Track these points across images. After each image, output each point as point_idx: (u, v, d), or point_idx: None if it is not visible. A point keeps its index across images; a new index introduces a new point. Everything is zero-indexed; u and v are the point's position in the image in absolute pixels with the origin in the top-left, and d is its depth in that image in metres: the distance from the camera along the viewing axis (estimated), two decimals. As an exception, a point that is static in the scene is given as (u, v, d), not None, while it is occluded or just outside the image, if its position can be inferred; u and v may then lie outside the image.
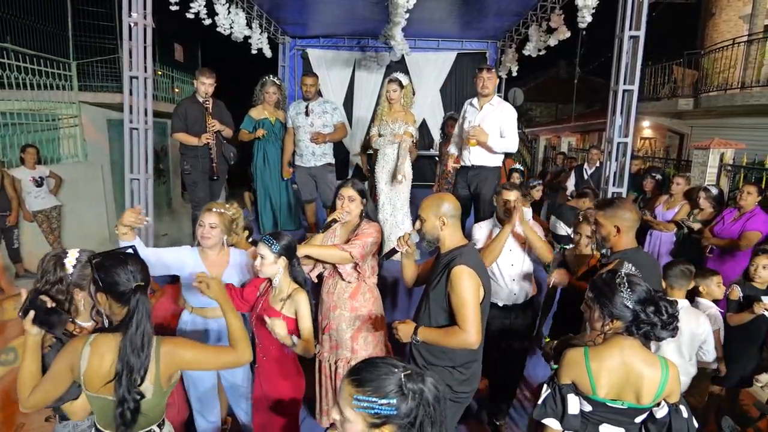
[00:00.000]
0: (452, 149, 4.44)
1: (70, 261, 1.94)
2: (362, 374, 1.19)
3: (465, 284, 2.04)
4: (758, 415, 3.45)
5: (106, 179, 8.32)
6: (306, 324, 2.36)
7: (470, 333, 2.03)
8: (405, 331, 2.22)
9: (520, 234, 3.13)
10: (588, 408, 1.86)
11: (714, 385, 3.32)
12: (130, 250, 1.79)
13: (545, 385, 1.97)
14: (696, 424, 1.85)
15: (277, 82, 4.88)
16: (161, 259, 2.51)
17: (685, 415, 1.82)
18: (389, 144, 4.31)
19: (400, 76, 4.33)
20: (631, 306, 1.75)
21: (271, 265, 2.34)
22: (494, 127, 3.97)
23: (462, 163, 4.26)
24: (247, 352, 1.84)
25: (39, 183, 6.15)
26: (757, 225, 4.01)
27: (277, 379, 2.45)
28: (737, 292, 3.24)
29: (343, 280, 2.83)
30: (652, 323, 1.74)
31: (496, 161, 4.12)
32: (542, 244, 3.07)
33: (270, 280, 2.45)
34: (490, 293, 2.23)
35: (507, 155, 4.33)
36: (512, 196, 3.08)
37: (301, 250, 2.59)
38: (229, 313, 1.89)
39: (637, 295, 1.76)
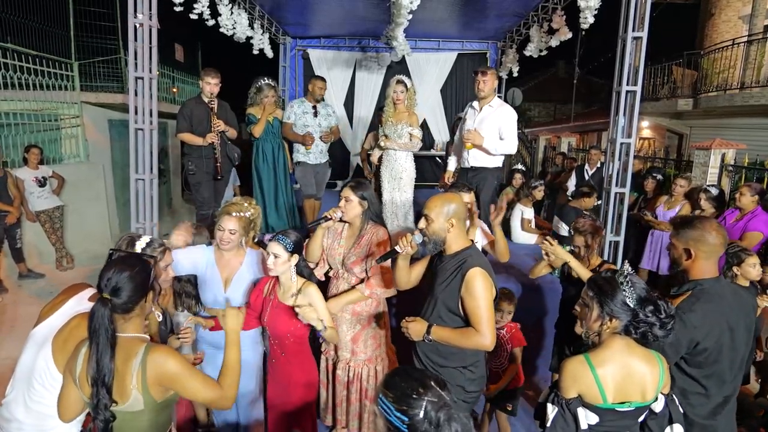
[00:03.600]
0: (451, 165, 4.55)
1: (141, 244, 2.14)
2: (394, 378, 1.25)
3: (480, 286, 2.04)
4: (762, 413, 3.47)
5: (108, 179, 8.32)
6: (326, 313, 2.43)
7: (486, 335, 2.02)
8: (416, 329, 2.18)
9: (488, 233, 3.20)
10: (594, 420, 1.78)
11: None
12: (150, 259, 1.80)
13: (549, 405, 1.84)
14: (681, 409, 1.86)
15: (272, 83, 4.88)
16: (178, 262, 2.57)
17: (677, 401, 1.83)
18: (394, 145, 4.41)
19: (404, 78, 4.41)
20: (631, 305, 1.72)
21: (285, 263, 2.38)
22: (493, 128, 4.04)
23: (462, 165, 4.35)
24: (231, 393, 1.80)
25: (42, 183, 6.16)
26: (758, 225, 4.02)
27: (294, 372, 2.50)
28: None
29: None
30: (651, 323, 1.71)
31: (496, 162, 4.19)
32: (506, 246, 3.15)
33: (276, 278, 2.49)
34: (498, 293, 2.23)
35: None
36: (467, 198, 3.12)
37: (331, 305, 2.69)
38: (232, 347, 1.88)
39: (637, 294, 1.73)
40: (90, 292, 2.00)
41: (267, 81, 4.80)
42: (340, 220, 2.81)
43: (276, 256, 2.36)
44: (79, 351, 1.66)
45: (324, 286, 3.01)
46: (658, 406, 1.80)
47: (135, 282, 1.66)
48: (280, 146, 4.98)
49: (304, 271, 2.51)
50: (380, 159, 4.60)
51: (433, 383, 1.23)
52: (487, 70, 4.08)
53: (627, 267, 1.82)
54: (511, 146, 4.08)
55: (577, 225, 3.03)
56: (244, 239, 2.68)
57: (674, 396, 1.85)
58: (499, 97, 7.86)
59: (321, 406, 3.04)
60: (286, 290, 2.45)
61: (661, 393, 1.80)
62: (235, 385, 1.82)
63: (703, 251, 2.01)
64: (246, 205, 2.71)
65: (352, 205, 2.74)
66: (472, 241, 2.32)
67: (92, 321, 1.58)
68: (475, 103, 4.22)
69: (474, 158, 4.16)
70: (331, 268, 2.94)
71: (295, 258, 2.41)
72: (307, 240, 2.83)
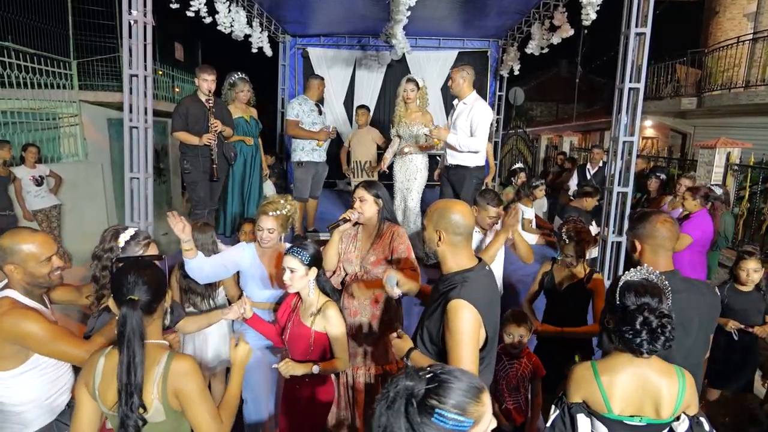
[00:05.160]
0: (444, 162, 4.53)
1: (125, 236, 2.11)
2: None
3: (461, 323, 1.67)
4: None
5: (107, 178, 8.30)
6: (339, 339, 2.27)
7: None
8: (399, 348, 1.93)
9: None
10: (603, 431, 1.71)
11: (712, 389, 3.25)
12: (157, 261, 1.75)
13: (553, 406, 1.81)
14: None
15: (246, 78, 4.79)
16: (222, 264, 2.64)
17: (707, 427, 1.71)
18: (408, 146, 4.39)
19: (416, 77, 4.42)
20: (617, 303, 1.69)
21: (302, 278, 2.23)
22: (465, 124, 4.00)
23: (444, 162, 4.32)
24: (228, 430, 1.71)
25: (39, 182, 6.12)
26: (691, 227, 4.06)
27: (310, 398, 2.33)
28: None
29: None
30: (617, 324, 1.66)
31: (476, 161, 4.07)
32: (527, 248, 3.05)
33: (299, 294, 2.35)
34: (496, 336, 1.88)
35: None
36: (493, 212, 3.08)
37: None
38: (237, 379, 1.85)
39: (626, 299, 1.67)
40: (2, 283, 1.95)
41: (241, 75, 4.71)
42: (355, 223, 2.72)
43: (292, 271, 2.20)
44: (95, 361, 1.60)
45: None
46: (681, 428, 1.69)
47: (155, 281, 1.64)
48: (255, 146, 4.88)
49: (326, 286, 2.36)
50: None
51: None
52: (454, 68, 4.10)
53: (645, 269, 1.77)
54: (477, 143, 3.92)
55: (566, 231, 2.83)
56: (283, 235, 2.75)
57: (702, 419, 1.73)
58: (499, 96, 7.87)
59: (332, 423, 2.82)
60: (307, 308, 2.30)
61: (685, 413, 1.70)
62: (232, 420, 1.74)
63: (648, 244, 2.01)
64: (282, 202, 2.72)
65: (368, 204, 2.66)
66: (479, 259, 1.90)
67: (124, 326, 1.52)
68: (455, 101, 4.21)
69: (451, 156, 4.11)
70: (346, 274, 2.82)
71: (314, 272, 2.25)
72: (321, 247, 2.69)
